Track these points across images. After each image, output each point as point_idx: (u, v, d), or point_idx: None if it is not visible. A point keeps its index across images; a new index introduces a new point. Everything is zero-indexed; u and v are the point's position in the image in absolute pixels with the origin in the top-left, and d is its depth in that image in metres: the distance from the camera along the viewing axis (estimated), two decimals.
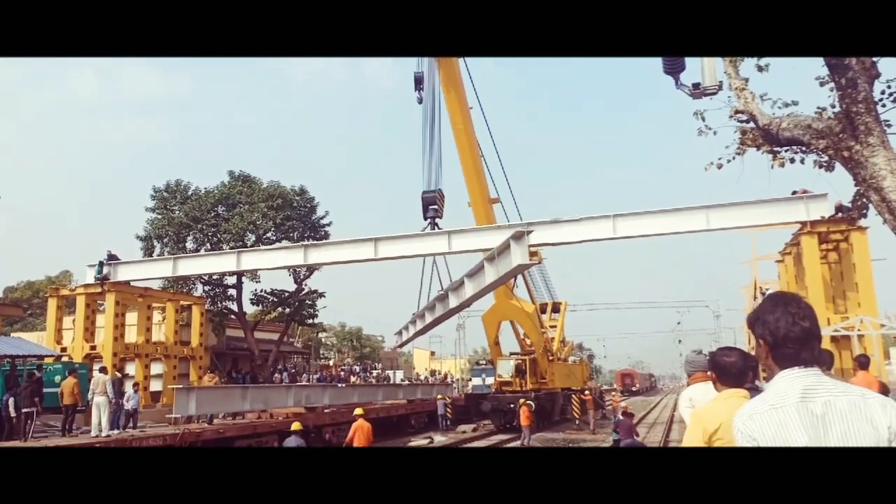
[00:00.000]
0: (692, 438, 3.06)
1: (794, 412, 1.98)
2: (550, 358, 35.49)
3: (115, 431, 18.06)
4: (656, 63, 11.34)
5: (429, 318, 25.92)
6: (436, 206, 22.21)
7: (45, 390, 18.20)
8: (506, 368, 33.79)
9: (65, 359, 24.45)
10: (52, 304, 27.39)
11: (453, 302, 22.39)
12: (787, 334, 2.09)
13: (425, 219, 22.31)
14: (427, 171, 22.92)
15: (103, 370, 19.16)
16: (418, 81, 23.11)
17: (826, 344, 17.21)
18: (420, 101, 23.21)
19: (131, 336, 27.58)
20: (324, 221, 35.17)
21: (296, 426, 15.37)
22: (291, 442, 14.74)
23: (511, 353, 35.19)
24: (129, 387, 20.91)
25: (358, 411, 15.93)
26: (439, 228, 22.38)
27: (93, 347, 25.90)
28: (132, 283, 26.90)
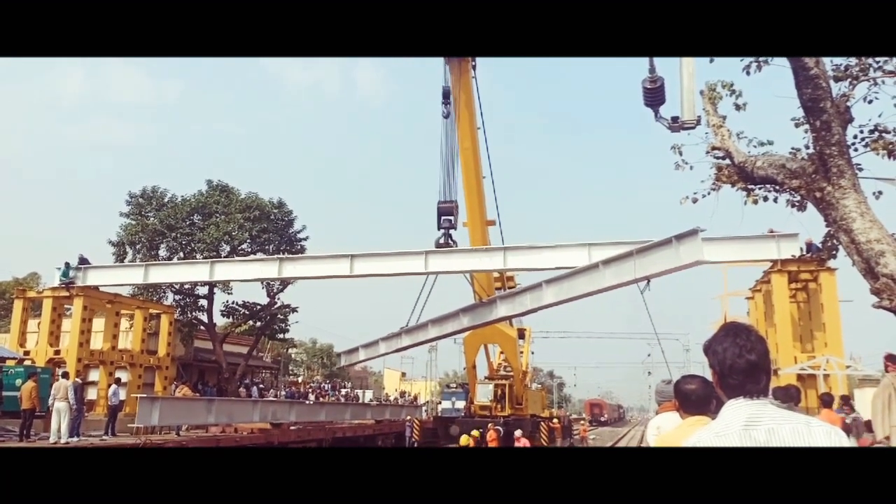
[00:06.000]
0: None
1: (736, 440, 2.02)
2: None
3: (74, 439, 17.64)
4: (637, 96, 11.53)
5: (451, 328, 25.03)
6: (451, 217, 21.98)
7: (4, 393, 17.79)
8: (485, 393, 33.61)
9: (27, 362, 23.89)
10: (17, 305, 26.79)
11: (503, 311, 22.03)
12: (732, 365, 2.12)
13: (439, 228, 21.98)
14: (444, 182, 22.76)
15: (66, 375, 18.76)
16: (446, 95, 23.03)
17: (792, 381, 17.44)
18: (447, 115, 23.11)
19: (97, 342, 27.03)
20: (300, 236, 34.98)
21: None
22: None
23: (486, 377, 35.08)
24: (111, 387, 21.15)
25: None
26: (453, 241, 22.14)
27: (57, 352, 25.33)
28: (101, 289, 26.44)
